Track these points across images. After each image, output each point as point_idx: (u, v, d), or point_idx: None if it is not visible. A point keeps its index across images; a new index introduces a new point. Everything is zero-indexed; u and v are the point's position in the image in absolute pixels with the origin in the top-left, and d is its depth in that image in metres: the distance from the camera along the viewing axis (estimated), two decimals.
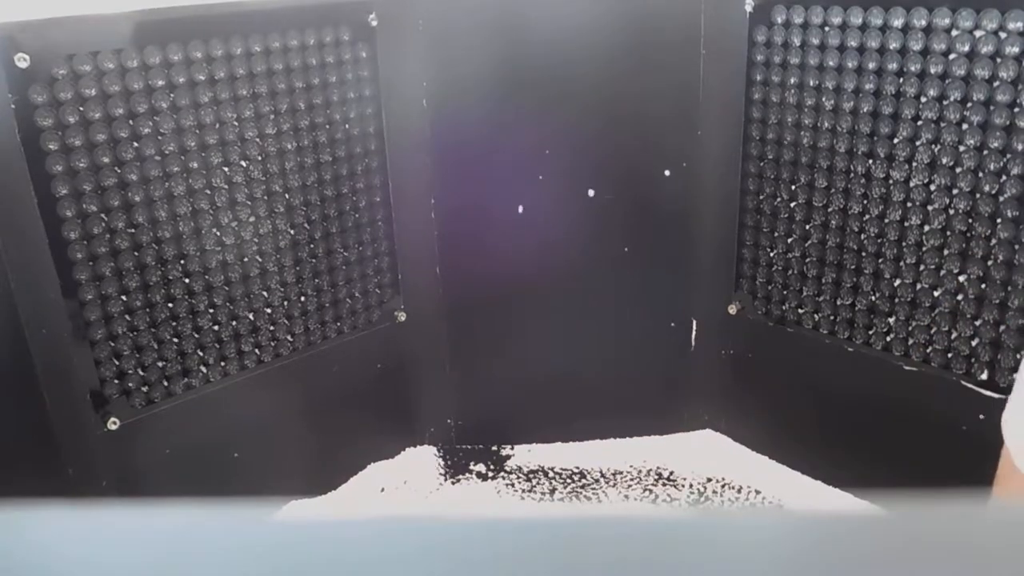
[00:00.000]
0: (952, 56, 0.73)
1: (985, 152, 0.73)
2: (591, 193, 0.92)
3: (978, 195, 0.74)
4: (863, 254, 0.83)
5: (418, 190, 0.93)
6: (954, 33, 0.73)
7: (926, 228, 0.78)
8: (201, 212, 0.78)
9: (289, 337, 0.87)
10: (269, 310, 0.85)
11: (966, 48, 0.72)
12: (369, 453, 1.00)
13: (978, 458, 0.81)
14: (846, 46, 0.79)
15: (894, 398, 0.85)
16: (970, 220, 0.75)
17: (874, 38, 0.77)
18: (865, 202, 0.81)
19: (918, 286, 0.80)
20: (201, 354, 0.81)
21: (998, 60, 0.71)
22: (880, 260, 0.82)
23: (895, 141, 0.78)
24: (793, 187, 0.86)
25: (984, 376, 0.78)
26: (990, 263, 0.75)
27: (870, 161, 0.80)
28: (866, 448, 0.89)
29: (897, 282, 0.82)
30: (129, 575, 0.16)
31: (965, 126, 0.74)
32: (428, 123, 0.90)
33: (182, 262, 0.78)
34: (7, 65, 0.66)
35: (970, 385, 0.79)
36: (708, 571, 0.15)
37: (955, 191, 0.76)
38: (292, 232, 0.85)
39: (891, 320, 0.83)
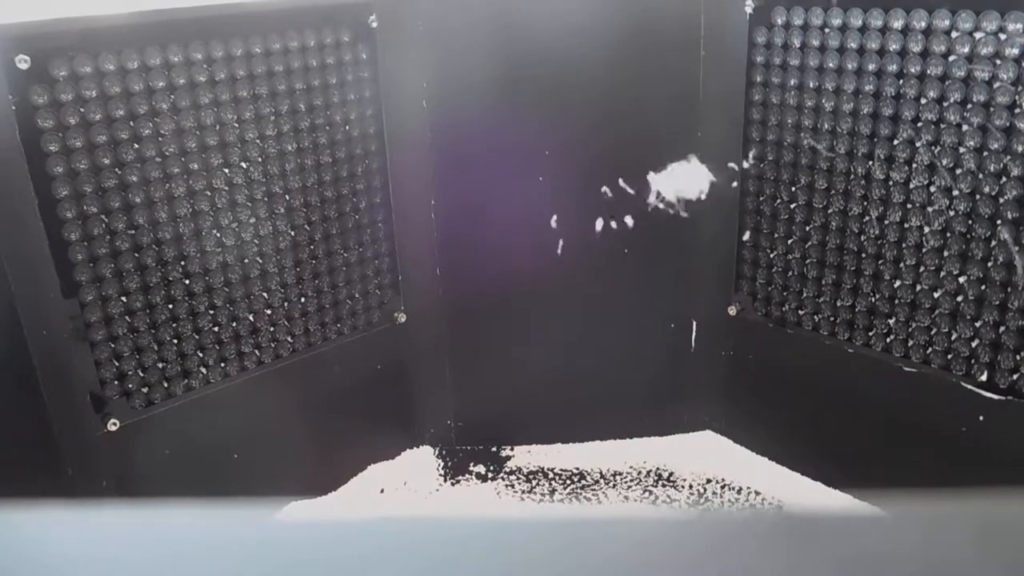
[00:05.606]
0: (952, 58, 0.73)
1: (985, 154, 0.73)
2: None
3: (978, 197, 0.74)
4: (863, 255, 0.83)
5: (418, 191, 0.93)
6: (954, 35, 0.73)
7: (926, 229, 0.78)
8: (201, 213, 0.78)
9: (289, 338, 0.87)
10: (269, 311, 0.85)
11: (966, 50, 0.72)
12: (369, 454, 1.00)
13: (977, 459, 0.81)
14: (846, 48, 0.79)
15: (894, 399, 0.85)
16: (970, 221, 0.75)
17: (874, 40, 0.77)
18: (865, 203, 0.81)
19: (918, 287, 0.80)
20: (201, 355, 0.81)
21: (998, 62, 0.71)
22: (880, 261, 0.82)
23: (895, 143, 0.78)
24: (793, 188, 0.86)
25: (984, 377, 0.78)
26: (990, 264, 0.75)
27: (870, 162, 0.80)
28: (866, 448, 0.89)
29: (897, 283, 0.82)
30: (129, 575, 0.16)
31: (965, 127, 0.74)
32: (428, 124, 0.90)
33: (182, 263, 0.78)
34: (8, 66, 0.66)
35: (970, 386, 0.79)
36: (708, 571, 0.15)
37: (955, 192, 0.76)
38: (292, 233, 0.85)
39: (891, 321, 0.83)
